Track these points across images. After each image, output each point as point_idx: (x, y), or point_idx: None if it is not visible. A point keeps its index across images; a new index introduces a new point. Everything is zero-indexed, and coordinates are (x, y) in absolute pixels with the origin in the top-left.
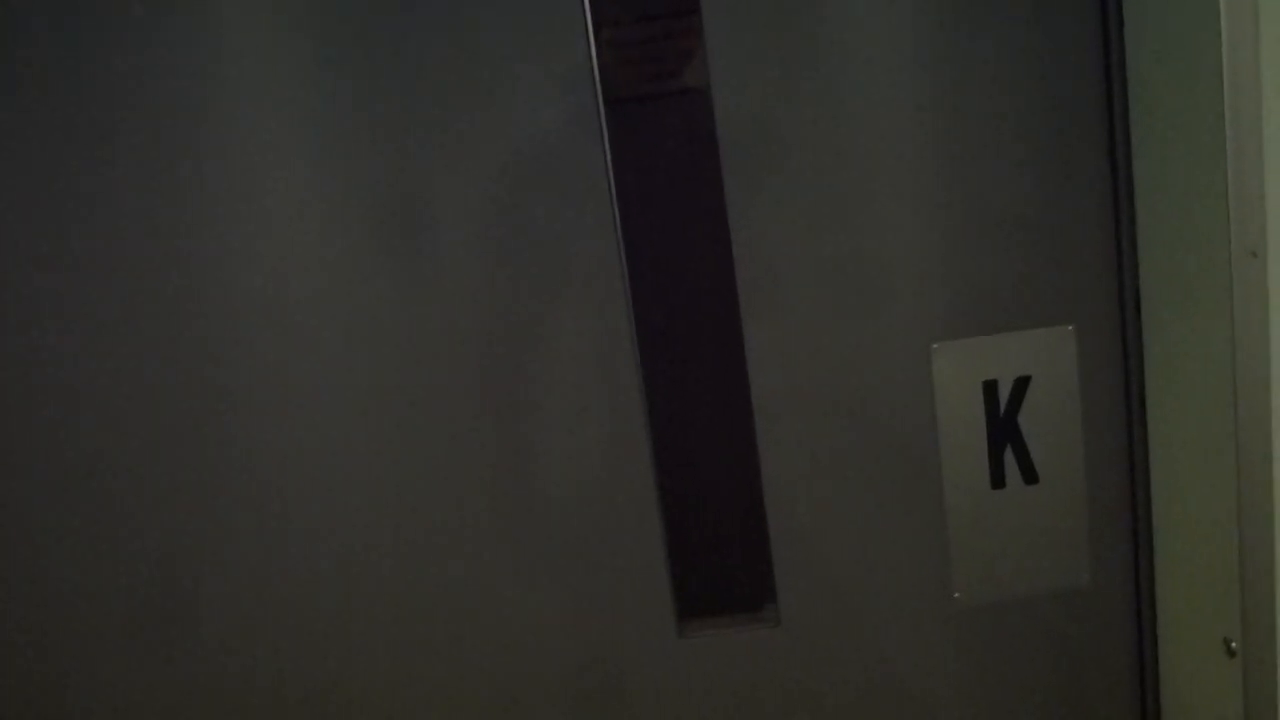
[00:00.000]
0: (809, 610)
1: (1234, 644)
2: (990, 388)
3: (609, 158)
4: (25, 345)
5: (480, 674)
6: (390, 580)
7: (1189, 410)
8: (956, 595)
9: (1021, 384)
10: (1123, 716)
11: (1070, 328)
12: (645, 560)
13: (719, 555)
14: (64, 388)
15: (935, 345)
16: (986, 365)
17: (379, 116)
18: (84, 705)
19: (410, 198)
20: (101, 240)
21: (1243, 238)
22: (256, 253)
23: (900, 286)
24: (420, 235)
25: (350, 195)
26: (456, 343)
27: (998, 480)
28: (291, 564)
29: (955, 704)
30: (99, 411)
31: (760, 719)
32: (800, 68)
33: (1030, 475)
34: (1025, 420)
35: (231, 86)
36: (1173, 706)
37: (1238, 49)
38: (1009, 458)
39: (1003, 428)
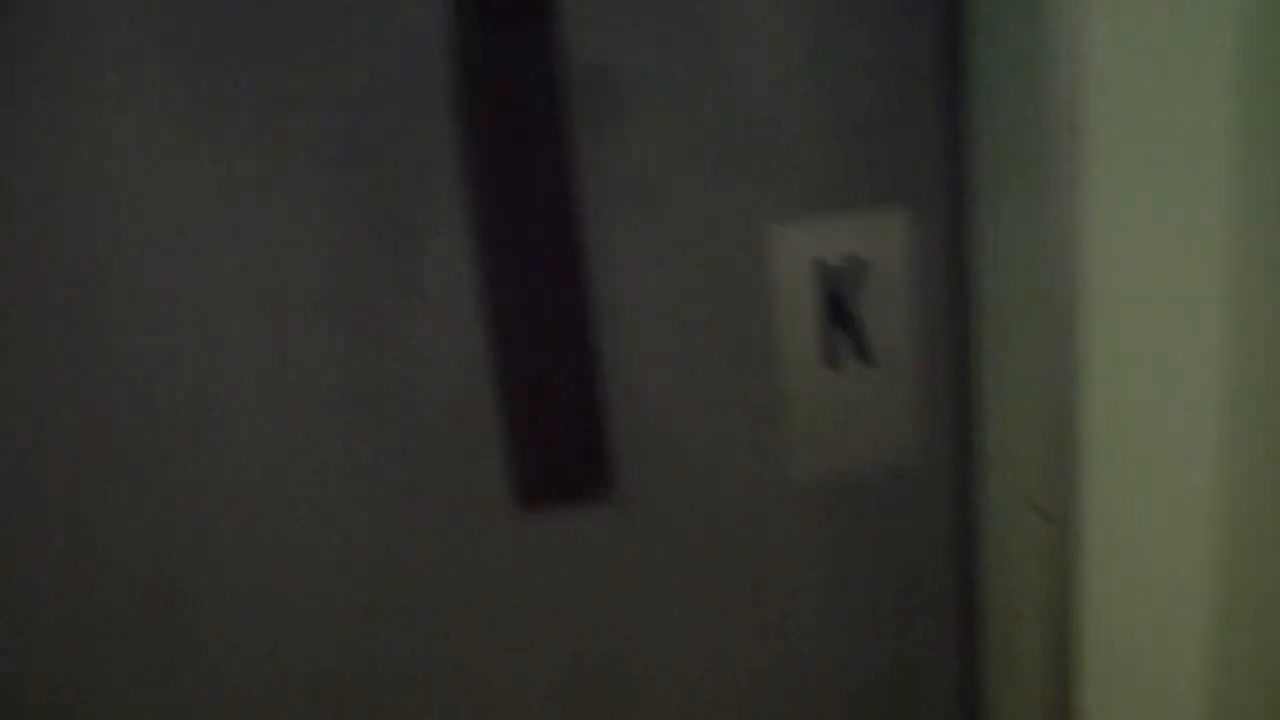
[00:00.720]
0: (649, 490)
1: (1046, 509)
2: (822, 268)
3: (458, 80)
4: None
5: (311, 571)
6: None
7: (1015, 291)
8: (793, 474)
9: (855, 265)
10: (947, 585)
11: (901, 207)
12: (480, 445)
13: (558, 439)
14: None
15: (770, 227)
16: (818, 246)
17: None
18: None
19: (255, 120)
20: None
21: (1062, 113)
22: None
23: (735, 173)
24: (262, 155)
25: (192, 97)
26: (297, 248)
27: (831, 360)
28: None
29: (791, 577)
30: None
31: (599, 600)
32: None
33: (864, 355)
34: (858, 300)
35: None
36: (995, 573)
37: None
38: (842, 338)
39: (834, 308)
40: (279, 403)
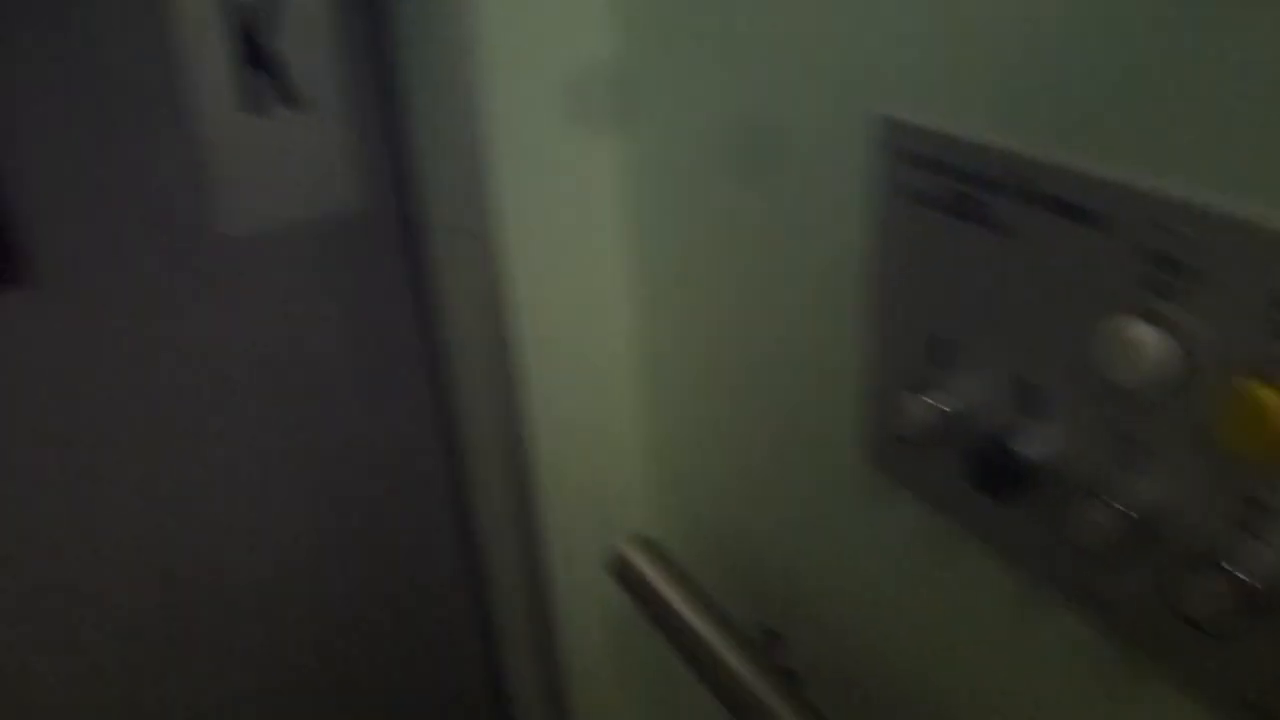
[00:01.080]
0: (69, 267)
1: (471, 229)
2: (230, 5)
3: None
4: None
5: None
6: None
7: (428, 33)
8: (218, 226)
9: (271, 3)
10: (403, 311)
11: None
12: None
13: None
14: None
15: None
16: None
17: None
18: None
19: None
20: None
21: None
22: None
23: None
24: None
25: None
26: None
27: (252, 106)
28: None
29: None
30: None
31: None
32: None
33: (290, 100)
34: (281, 41)
35: None
36: (443, 291)
37: None
38: (264, 82)
39: (250, 49)
40: None
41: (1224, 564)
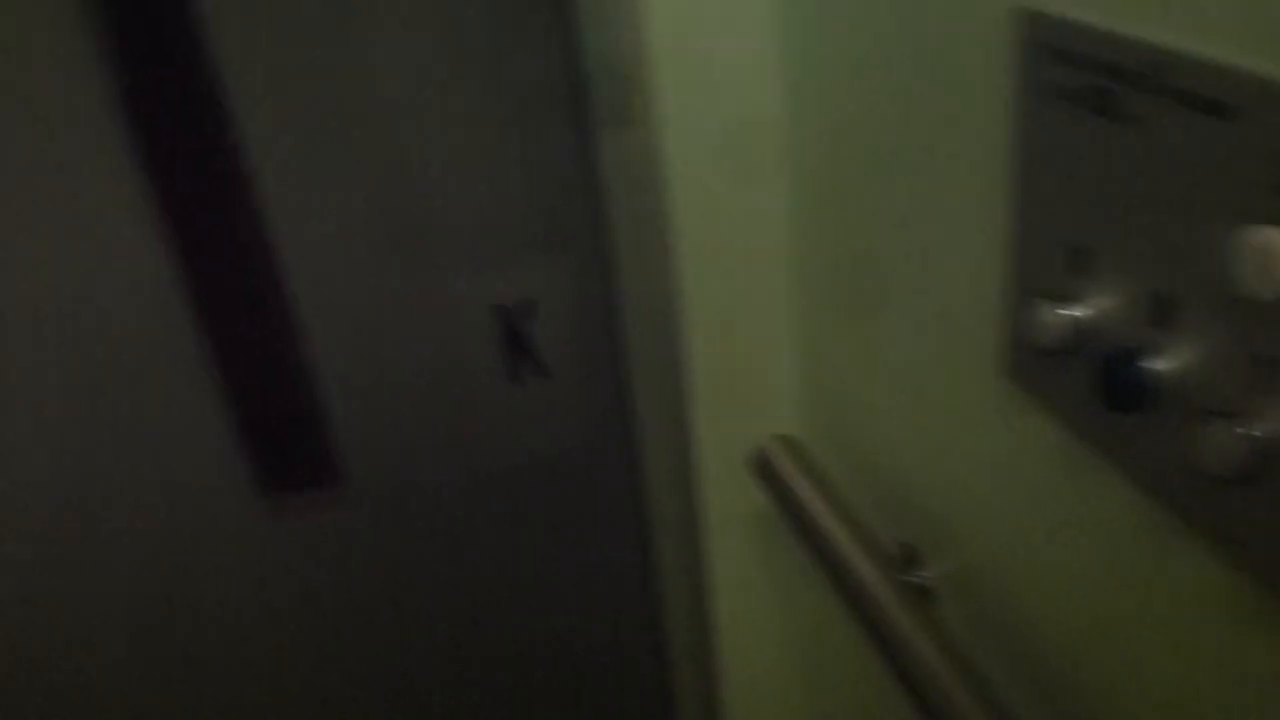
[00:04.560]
0: (373, 484)
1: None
2: (500, 310)
3: None
4: None
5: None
6: None
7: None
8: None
9: (526, 305)
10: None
11: (556, 256)
12: (211, 432)
13: (284, 431)
14: None
15: (454, 282)
16: (496, 295)
17: None
18: None
19: None
20: None
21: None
22: None
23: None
24: None
25: None
26: None
27: (513, 375)
28: None
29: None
30: None
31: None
32: None
33: (540, 370)
34: (532, 329)
35: None
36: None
37: None
38: (522, 358)
39: (513, 336)
40: None
41: None
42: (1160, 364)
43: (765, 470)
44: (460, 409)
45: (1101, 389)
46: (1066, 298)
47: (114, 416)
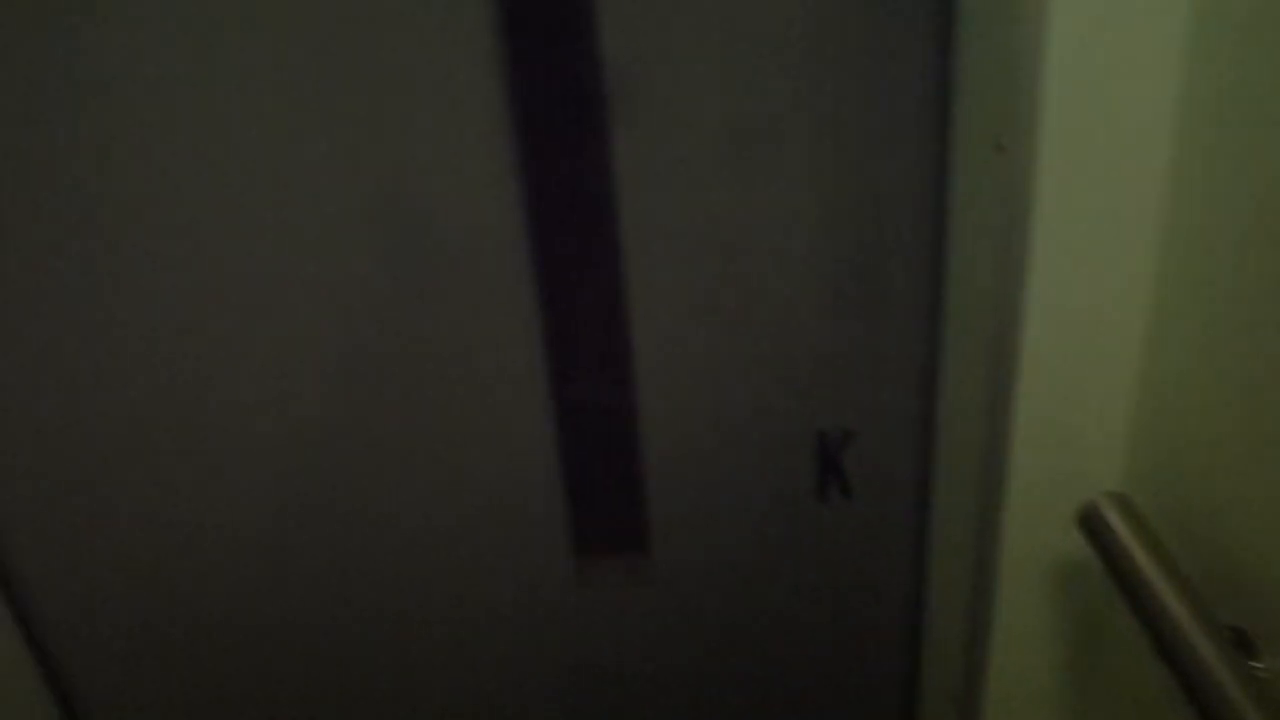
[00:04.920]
0: (675, 559)
1: (1003, 141)
2: (820, 435)
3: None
4: None
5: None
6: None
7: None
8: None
9: (844, 434)
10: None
11: (881, 387)
12: (544, 496)
13: (606, 503)
14: None
15: (781, 404)
16: (818, 421)
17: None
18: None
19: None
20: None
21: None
22: None
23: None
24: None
25: None
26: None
27: (822, 495)
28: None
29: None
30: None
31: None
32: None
33: (846, 492)
34: (844, 454)
35: None
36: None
37: None
38: (831, 479)
39: (826, 458)
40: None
41: None
42: None
43: (1093, 526)
44: (765, 513)
45: None
46: None
47: (457, 464)
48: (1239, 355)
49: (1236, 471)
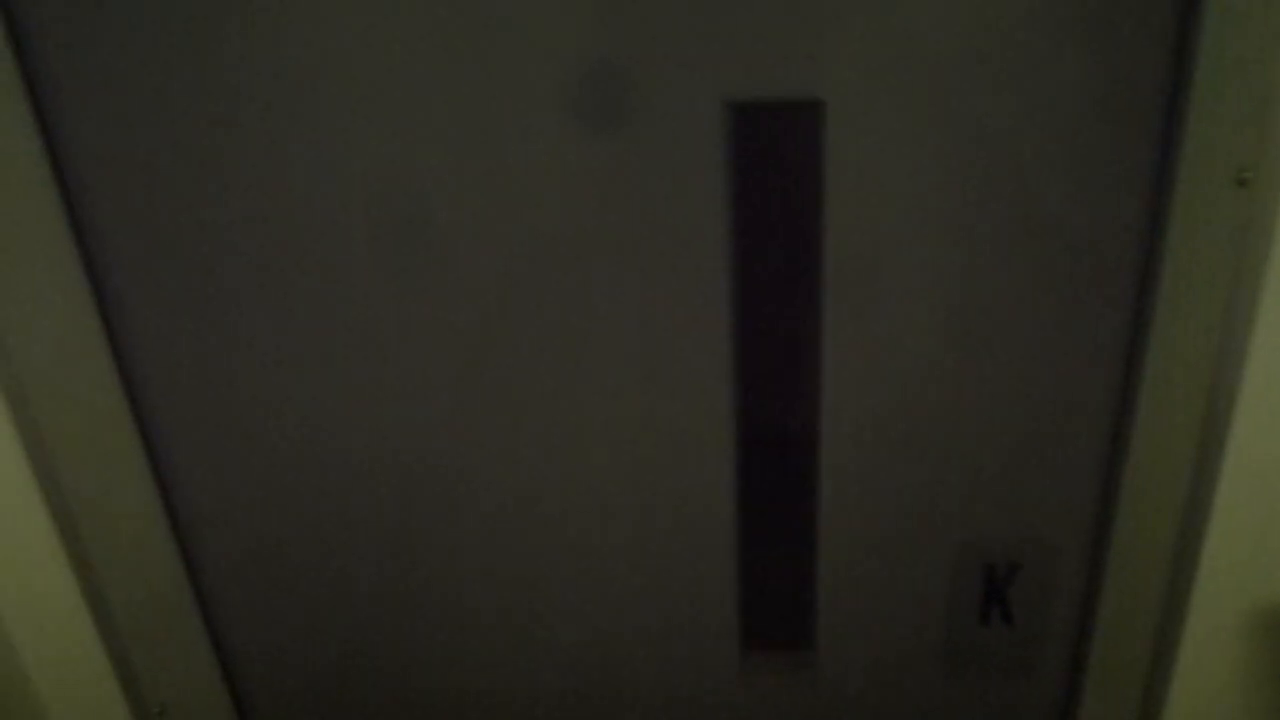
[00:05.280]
0: (843, 648)
1: (1247, 174)
2: (987, 567)
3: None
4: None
5: (552, 692)
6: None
7: None
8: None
9: (1011, 566)
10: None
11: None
12: (716, 585)
13: (777, 596)
14: None
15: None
16: (986, 555)
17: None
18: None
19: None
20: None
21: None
22: None
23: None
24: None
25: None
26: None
27: (985, 619)
28: None
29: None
30: None
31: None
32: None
33: (1007, 618)
34: (1009, 583)
35: None
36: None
37: None
38: (994, 606)
39: (991, 588)
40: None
41: None
42: None
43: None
44: (926, 626)
45: None
46: None
47: (633, 539)
48: None
49: None
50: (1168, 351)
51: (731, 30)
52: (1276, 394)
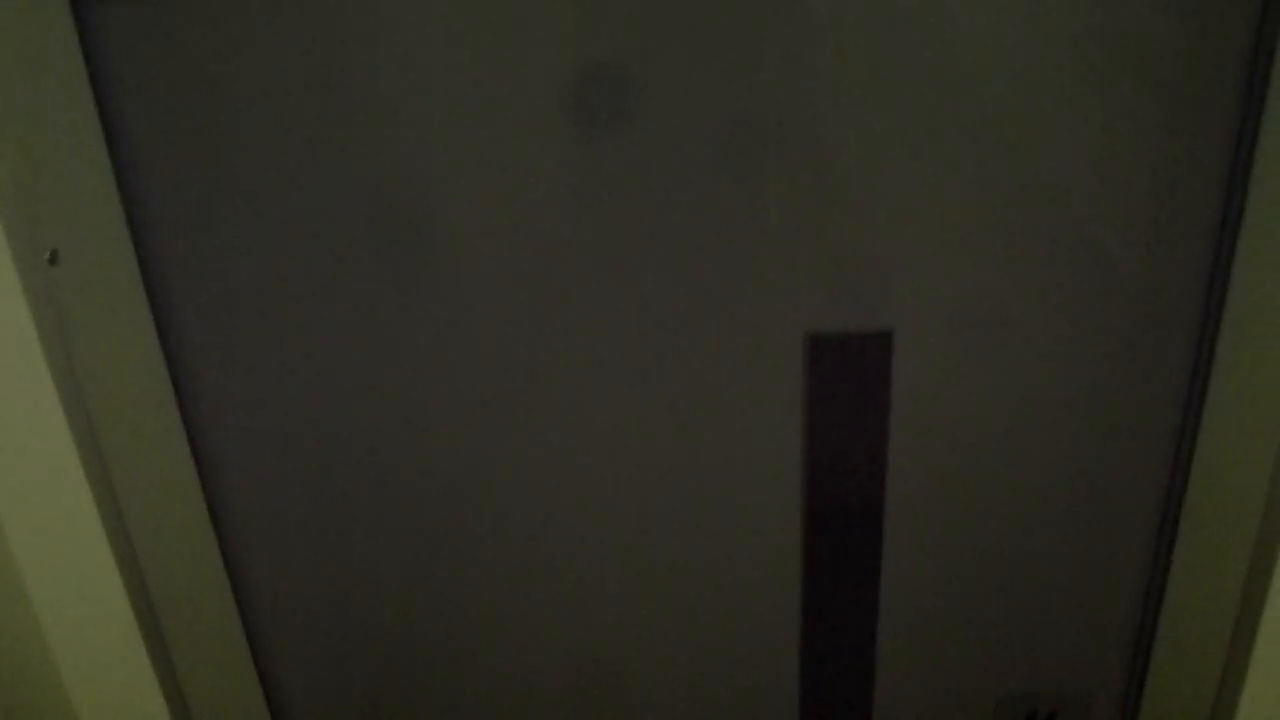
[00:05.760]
0: None
1: None
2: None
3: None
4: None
5: None
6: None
7: None
8: None
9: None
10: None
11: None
12: (778, 670)
13: (832, 675)
14: None
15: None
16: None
17: None
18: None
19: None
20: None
21: None
22: None
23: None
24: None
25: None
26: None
27: None
28: None
29: None
30: None
31: None
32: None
33: None
34: None
35: None
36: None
37: None
38: None
39: None
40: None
41: None
42: None
43: None
44: None
45: None
46: None
47: (701, 624)
48: None
49: None
50: (1206, 517)
51: (812, 267)
52: None
